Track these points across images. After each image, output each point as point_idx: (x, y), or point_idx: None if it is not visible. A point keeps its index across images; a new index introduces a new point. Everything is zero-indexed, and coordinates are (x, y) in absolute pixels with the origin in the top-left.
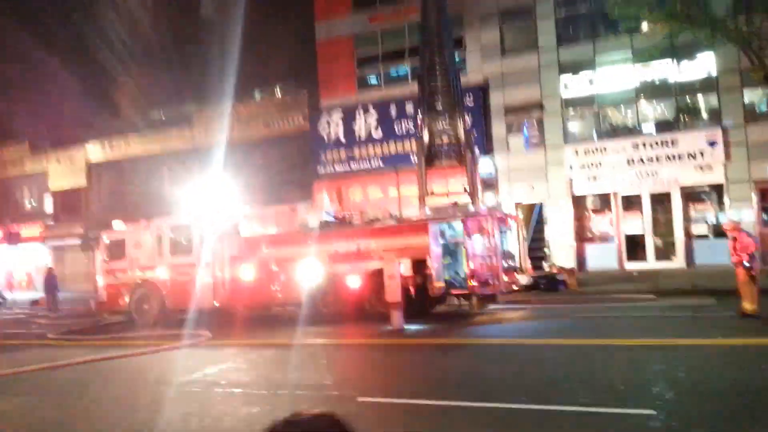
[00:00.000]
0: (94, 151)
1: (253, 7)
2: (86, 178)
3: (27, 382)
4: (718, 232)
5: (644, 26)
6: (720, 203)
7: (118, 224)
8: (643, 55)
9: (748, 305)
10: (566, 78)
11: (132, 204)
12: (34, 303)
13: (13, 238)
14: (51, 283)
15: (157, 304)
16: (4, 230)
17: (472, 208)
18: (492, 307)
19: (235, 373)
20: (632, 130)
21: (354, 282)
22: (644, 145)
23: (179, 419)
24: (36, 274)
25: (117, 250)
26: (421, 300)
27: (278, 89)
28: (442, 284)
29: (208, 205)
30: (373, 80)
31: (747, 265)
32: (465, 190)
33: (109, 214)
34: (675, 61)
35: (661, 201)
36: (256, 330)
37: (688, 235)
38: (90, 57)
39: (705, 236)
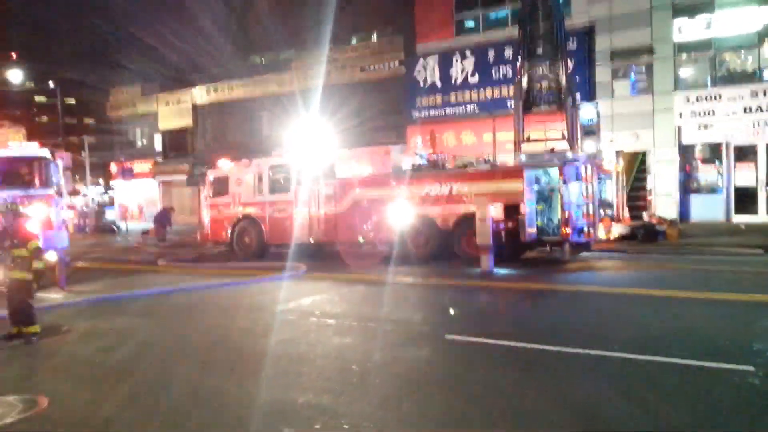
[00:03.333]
0: (200, 94)
1: None
2: (192, 119)
3: (139, 303)
4: None
5: None
6: None
7: (222, 163)
8: None
9: None
10: (680, 21)
11: (234, 144)
12: (145, 233)
13: (126, 174)
14: (164, 217)
15: (256, 237)
16: (118, 166)
17: (569, 155)
18: (585, 255)
19: (329, 305)
20: (751, 77)
21: (445, 224)
22: (765, 92)
23: (274, 344)
24: (147, 207)
25: (220, 186)
26: (512, 245)
27: (375, 34)
28: (533, 230)
29: (305, 146)
30: (470, 24)
31: None
32: (563, 137)
33: (213, 153)
34: None
35: None
36: (349, 266)
37: None
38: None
39: None
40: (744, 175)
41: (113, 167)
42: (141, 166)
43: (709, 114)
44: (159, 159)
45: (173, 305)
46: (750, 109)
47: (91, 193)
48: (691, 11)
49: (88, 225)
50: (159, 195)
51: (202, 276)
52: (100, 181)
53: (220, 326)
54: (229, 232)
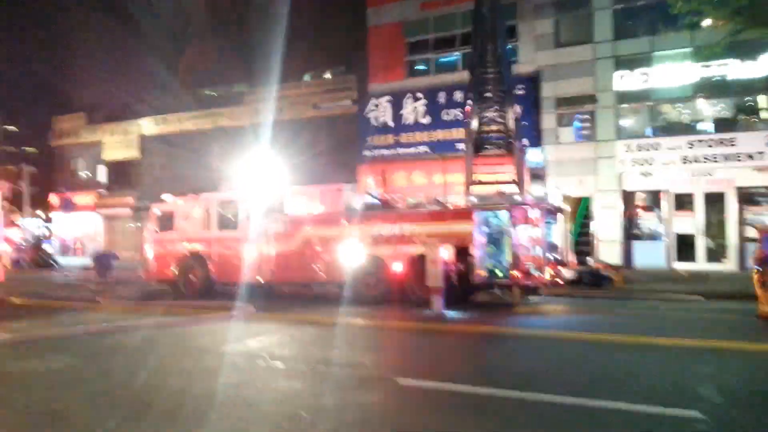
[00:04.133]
0: (148, 125)
1: None
2: (139, 150)
3: (74, 342)
4: None
5: (705, 22)
6: None
7: (168, 196)
8: (702, 53)
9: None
10: (621, 72)
11: (182, 177)
12: (86, 269)
13: (67, 206)
14: (106, 260)
15: (203, 275)
16: (59, 198)
17: (518, 198)
18: (534, 299)
19: (277, 347)
20: (688, 128)
21: (396, 265)
22: (700, 143)
23: (220, 388)
24: (88, 242)
25: (166, 221)
26: (462, 287)
27: (328, 72)
28: (484, 272)
29: (255, 182)
30: (422, 66)
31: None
32: (511, 179)
33: (159, 186)
34: (736, 59)
35: (714, 201)
36: (298, 307)
37: (742, 238)
38: (146, 33)
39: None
40: (683, 223)
41: (53, 199)
42: (83, 198)
43: (649, 162)
44: (102, 191)
45: (111, 345)
46: (687, 159)
47: (30, 225)
48: (631, 64)
49: (26, 259)
50: (101, 229)
51: (144, 315)
52: (40, 213)
53: (161, 368)
54: (174, 269)
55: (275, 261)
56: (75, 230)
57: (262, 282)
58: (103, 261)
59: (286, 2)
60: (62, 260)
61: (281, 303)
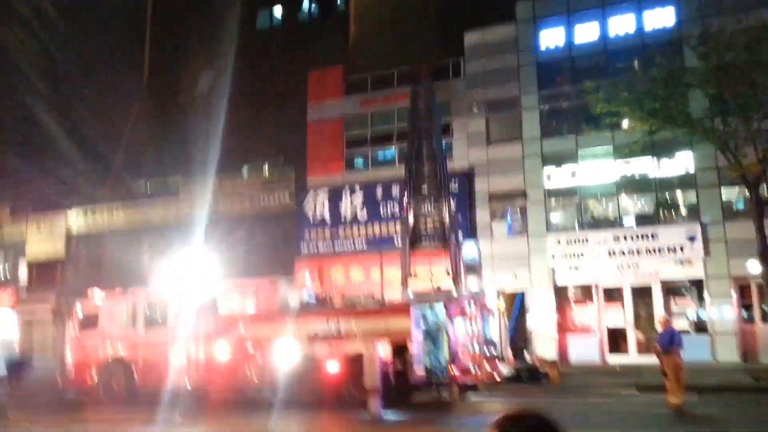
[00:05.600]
0: (76, 219)
1: (245, 86)
2: (65, 247)
3: None
4: (700, 327)
5: (625, 123)
6: (701, 298)
7: (93, 293)
8: (623, 151)
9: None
10: (549, 169)
11: (110, 276)
12: None
13: None
14: (19, 368)
15: (126, 381)
16: None
17: (454, 293)
18: (473, 398)
19: None
20: (613, 223)
21: (333, 366)
22: (625, 237)
23: None
24: (1, 346)
25: (89, 321)
26: (401, 387)
27: (266, 167)
28: (422, 370)
29: (186, 279)
30: (360, 162)
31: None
32: (447, 273)
33: (85, 285)
34: (655, 157)
35: (642, 294)
36: (229, 416)
37: None
38: (77, 125)
39: (686, 332)
40: (614, 317)
41: None
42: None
43: (578, 256)
44: (22, 291)
45: None
46: (614, 253)
47: None
48: (558, 160)
49: None
50: (17, 333)
51: (59, 428)
52: None
53: None
54: (95, 375)
55: (205, 365)
56: None
57: (192, 388)
58: (15, 369)
59: (224, 96)
60: None
61: (212, 411)
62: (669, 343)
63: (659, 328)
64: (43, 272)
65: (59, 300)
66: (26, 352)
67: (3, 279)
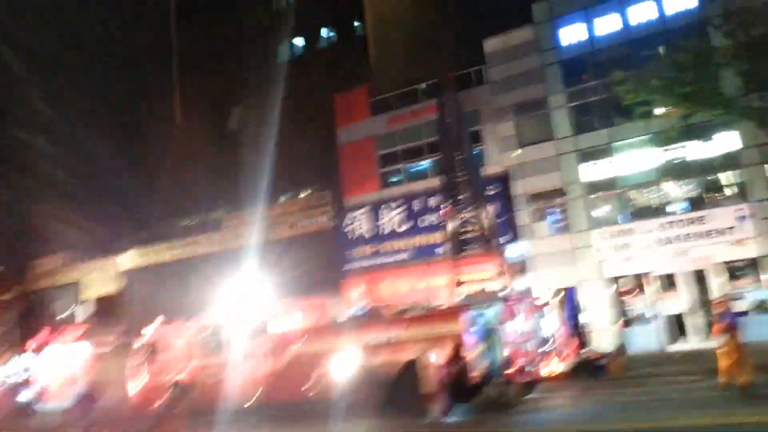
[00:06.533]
0: (127, 260)
1: (274, 117)
2: (118, 285)
3: None
4: (759, 307)
5: (658, 110)
6: (758, 278)
7: (149, 329)
8: (660, 138)
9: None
10: (585, 164)
11: (164, 308)
12: (66, 412)
13: (46, 349)
14: (88, 399)
15: (189, 405)
16: (37, 341)
17: (503, 294)
18: (532, 395)
19: None
20: (658, 210)
21: (388, 373)
22: (671, 224)
23: None
24: (67, 384)
25: (148, 354)
26: (458, 390)
27: (303, 192)
28: (478, 373)
29: (237, 304)
30: (395, 177)
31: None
32: (494, 276)
33: (141, 319)
34: (694, 140)
35: (697, 279)
36: (290, 429)
37: None
38: (119, 174)
39: (745, 313)
40: (670, 304)
41: (30, 343)
42: (62, 339)
43: (625, 247)
44: (82, 330)
45: None
46: (662, 241)
47: (4, 372)
48: (593, 155)
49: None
50: (82, 369)
51: None
52: (16, 357)
53: None
54: (158, 402)
55: (263, 383)
56: (54, 373)
57: (252, 405)
58: (84, 402)
59: (256, 128)
60: (40, 405)
61: (274, 425)
62: (729, 324)
63: (718, 309)
64: (101, 310)
65: (118, 335)
66: (94, 384)
67: (64, 322)
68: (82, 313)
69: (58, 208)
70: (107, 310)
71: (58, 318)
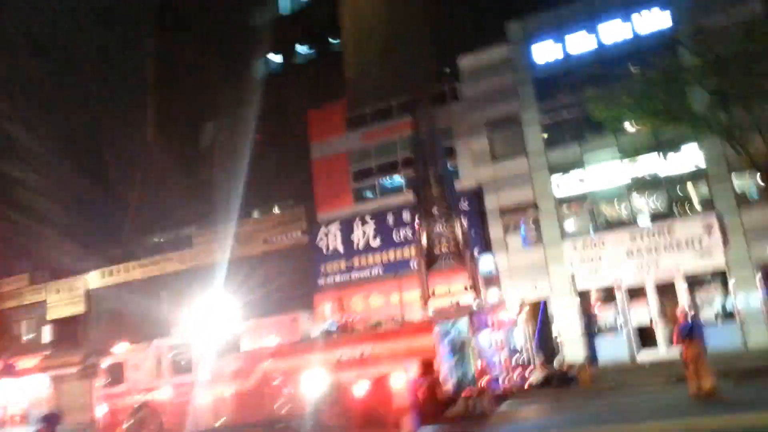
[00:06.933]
0: (95, 279)
1: (248, 133)
2: (85, 305)
3: None
4: (728, 316)
5: (628, 125)
6: (725, 288)
7: (117, 348)
8: (629, 152)
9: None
10: (557, 178)
11: (132, 327)
12: None
13: (9, 372)
14: (51, 423)
15: (156, 427)
16: (1, 364)
17: (475, 306)
18: (505, 407)
19: None
20: (628, 223)
21: (361, 390)
22: (641, 236)
23: None
24: (31, 409)
25: (115, 374)
26: (432, 403)
27: (276, 207)
28: (451, 385)
29: (208, 322)
30: (368, 192)
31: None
32: (466, 288)
33: (108, 339)
34: (662, 155)
35: (666, 290)
36: None
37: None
38: (88, 190)
39: (714, 322)
40: (639, 314)
41: None
42: (27, 361)
43: (597, 260)
44: (47, 352)
45: None
46: (632, 252)
47: None
48: (564, 169)
49: None
50: (48, 393)
51: None
52: None
53: None
54: (125, 424)
55: (233, 402)
56: (18, 397)
57: (222, 426)
58: (46, 423)
59: (229, 144)
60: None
61: None
62: (689, 334)
63: (679, 320)
64: (66, 331)
65: (84, 356)
66: (55, 407)
67: (28, 344)
68: (48, 334)
69: (24, 226)
70: (73, 330)
71: (24, 339)
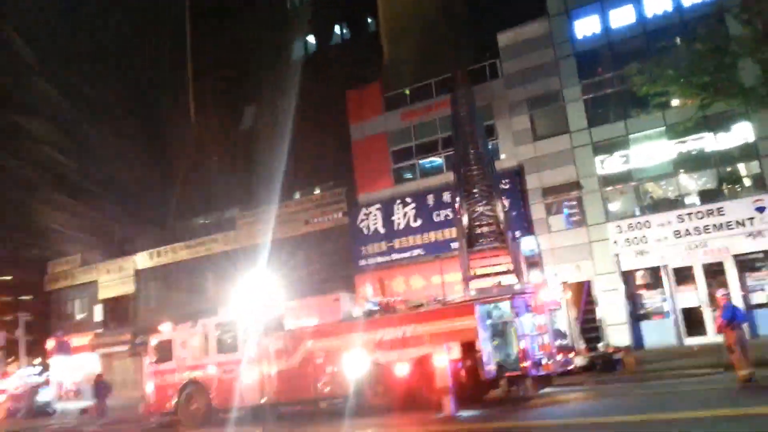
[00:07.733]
0: (143, 260)
1: (288, 115)
2: (134, 285)
3: None
4: None
5: (675, 101)
6: None
7: (164, 326)
8: (677, 129)
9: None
10: (601, 157)
11: (179, 306)
12: (83, 412)
13: (63, 349)
14: (100, 389)
15: (204, 403)
16: (55, 342)
17: (518, 287)
18: (547, 389)
19: None
20: (675, 202)
21: (402, 370)
22: (689, 216)
23: None
24: (85, 384)
25: (164, 352)
26: (473, 385)
27: (317, 188)
28: (493, 367)
29: (252, 301)
30: (408, 173)
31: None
32: (509, 270)
33: (156, 318)
34: (711, 131)
35: (714, 272)
36: (306, 425)
37: (747, 305)
38: (135, 175)
39: (765, 305)
40: (687, 297)
41: (50, 344)
42: (79, 339)
43: (642, 240)
44: (99, 330)
45: None
46: (680, 233)
47: (26, 373)
48: (609, 148)
49: (22, 409)
50: (100, 369)
51: None
52: (35, 361)
53: None
54: (174, 400)
55: (277, 380)
56: (73, 373)
57: (267, 403)
58: (100, 390)
59: (270, 125)
60: (60, 406)
61: (290, 423)
62: (731, 318)
63: (719, 304)
64: (117, 310)
65: (134, 334)
66: (106, 379)
67: (80, 322)
68: (99, 313)
69: (75, 209)
70: (123, 309)
71: (76, 318)
